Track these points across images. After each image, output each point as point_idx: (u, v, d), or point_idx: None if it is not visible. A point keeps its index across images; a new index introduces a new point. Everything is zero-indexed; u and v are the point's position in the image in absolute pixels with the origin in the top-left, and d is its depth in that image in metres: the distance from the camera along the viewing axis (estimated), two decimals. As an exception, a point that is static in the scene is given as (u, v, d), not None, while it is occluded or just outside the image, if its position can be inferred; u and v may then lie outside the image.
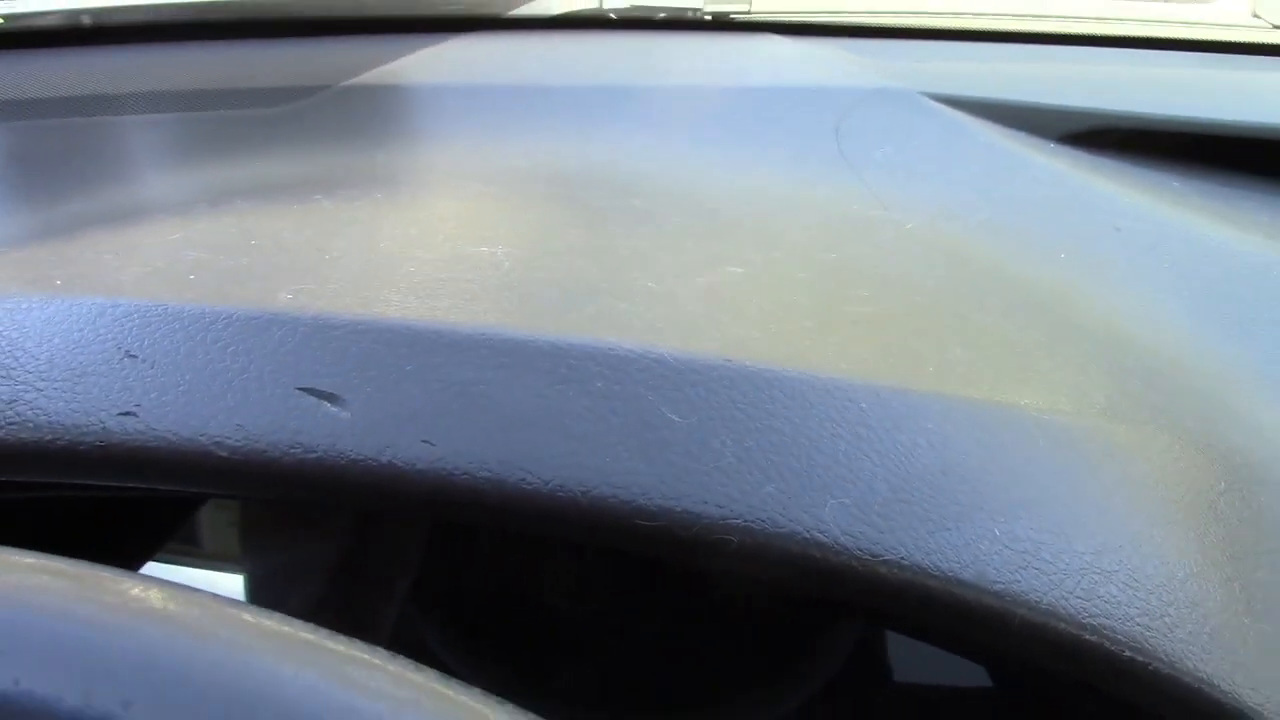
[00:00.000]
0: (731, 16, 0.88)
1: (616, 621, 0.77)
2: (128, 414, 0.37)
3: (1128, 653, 0.37)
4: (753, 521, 0.36)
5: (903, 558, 0.36)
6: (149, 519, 0.65)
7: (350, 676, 0.22)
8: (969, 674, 0.73)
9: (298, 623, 0.24)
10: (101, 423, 0.37)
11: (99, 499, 0.59)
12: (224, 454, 0.37)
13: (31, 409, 0.38)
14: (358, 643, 0.24)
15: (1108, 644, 0.37)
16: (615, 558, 0.75)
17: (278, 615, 0.24)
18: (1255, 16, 0.86)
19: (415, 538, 0.74)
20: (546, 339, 0.39)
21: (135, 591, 0.23)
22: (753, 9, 0.88)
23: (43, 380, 0.38)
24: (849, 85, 0.78)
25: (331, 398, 0.37)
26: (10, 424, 0.38)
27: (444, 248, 0.49)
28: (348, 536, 0.73)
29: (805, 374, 0.40)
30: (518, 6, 0.88)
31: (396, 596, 0.75)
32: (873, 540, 0.36)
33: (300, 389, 0.38)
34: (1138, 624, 0.38)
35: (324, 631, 0.24)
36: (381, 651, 0.24)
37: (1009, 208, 0.65)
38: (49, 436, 0.37)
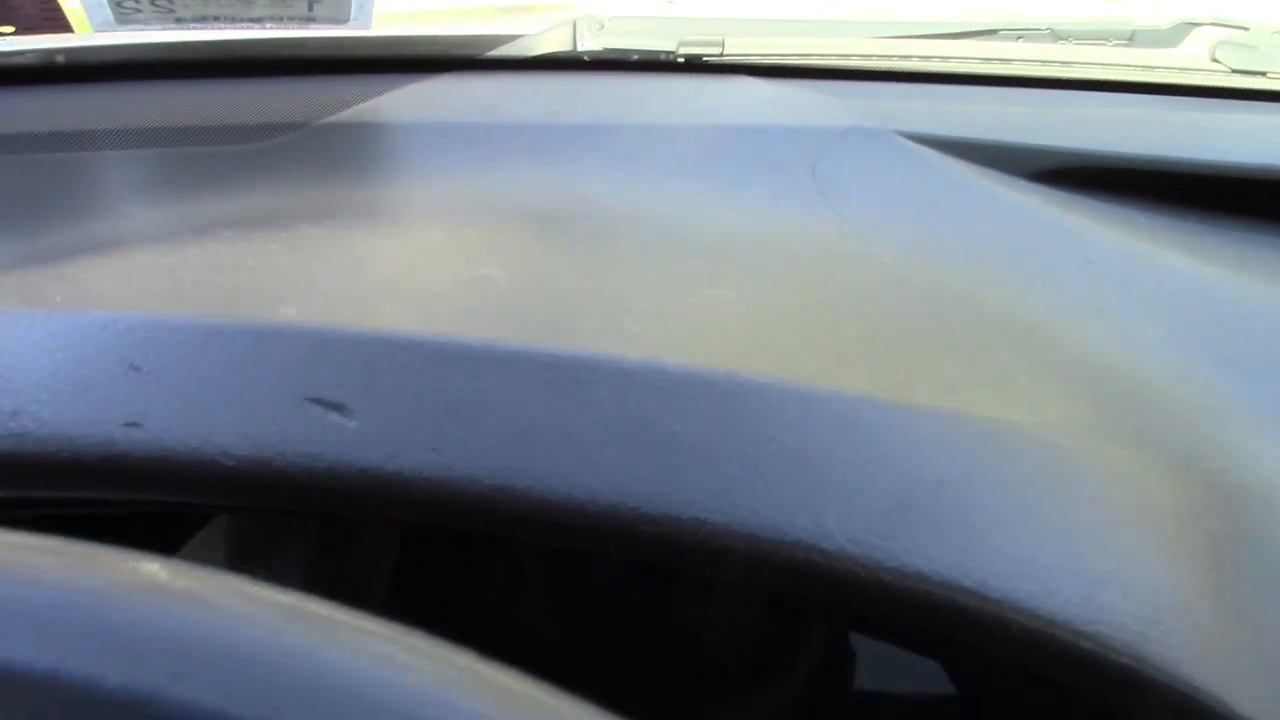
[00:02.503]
0: (705, 58, 0.89)
1: (586, 630, 0.77)
2: (133, 425, 0.37)
3: (1124, 660, 0.38)
4: (758, 528, 0.37)
5: (904, 565, 0.37)
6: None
7: (390, 656, 0.22)
8: (936, 682, 0.73)
9: (333, 605, 0.24)
10: (107, 434, 0.37)
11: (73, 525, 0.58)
12: (231, 464, 0.37)
13: (35, 421, 0.38)
14: (395, 625, 0.24)
15: (1104, 650, 0.38)
16: (587, 566, 0.75)
17: (317, 599, 0.24)
18: (1214, 61, 0.88)
19: (386, 550, 0.74)
20: (550, 351, 0.40)
21: (163, 573, 0.24)
22: (725, 51, 0.89)
23: (46, 393, 0.38)
24: (824, 125, 0.79)
25: (338, 408, 0.38)
26: (14, 435, 0.37)
27: (438, 270, 0.49)
28: (317, 551, 0.72)
29: (806, 387, 0.41)
30: (495, 48, 0.88)
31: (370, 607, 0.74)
32: (875, 547, 0.37)
33: (308, 399, 0.38)
34: (1134, 631, 0.38)
35: (357, 612, 0.24)
36: (419, 633, 0.24)
37: (984, 243, 0.66)
38: (53, 448, 0.37)
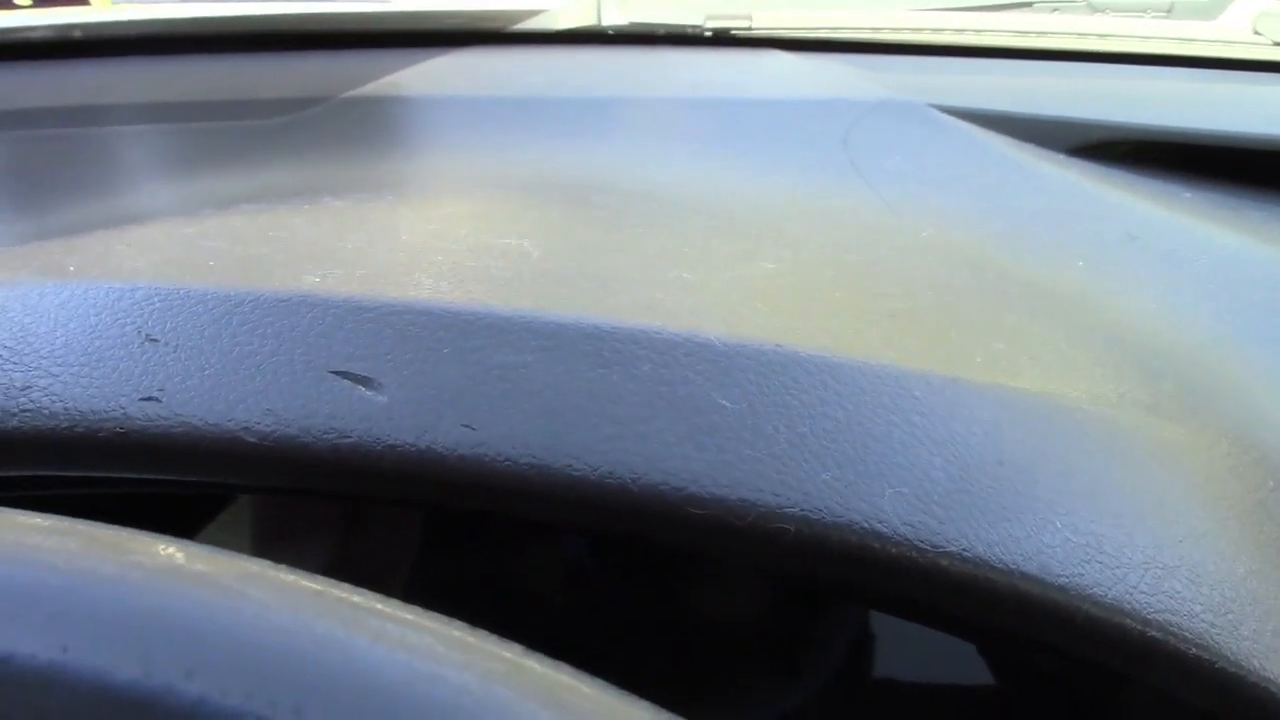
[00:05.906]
0: (733, 32, 0.87)
1: (610, 617, 0.75)
2: (150, 399, 0.35)
3: (1194, 650, 0.36)
4: (810, 510, 0.34)
5: (965, 549, 0.35)
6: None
7: (428, 650, 0.20)
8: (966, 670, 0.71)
9: (367, 593, 0.22)
10: (122, 408, 0.35)
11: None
12: (253, 440, 0.35)
13: (46, 395, 0.36)
14: (431, 614, 0.22)
15: (1174, 641, 0.36)
16: (611, 554, 0.74)
17: (346, 585, 0.22)
18: (1256, 34, 0.86)
19: (408, 535, 0.72)
20: (589, 322, 0.38)
21: (181, 557, 0.22)
22: (754, 25, 0.87)
23: (58, 366, 0.36)
24: (856, 98, 0.77)
25: (366, 381, 0.36)
26: (24, 411, 0.35)
27: (468, 240, 0.47)
28: (339, 537, 0.71)
29: (857, 360, 0.38)
30: (517, 22, 0.87)
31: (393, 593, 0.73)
32: (934, 531, 0.35)
33: (334, 372, 0.36)
34: (1203, 620, 0.36)
35: (390, 601, 0.22)
36: (457, 624, 0.22)
37: (1023, 217, 0.64)
38: (66, 424, 0.35)
